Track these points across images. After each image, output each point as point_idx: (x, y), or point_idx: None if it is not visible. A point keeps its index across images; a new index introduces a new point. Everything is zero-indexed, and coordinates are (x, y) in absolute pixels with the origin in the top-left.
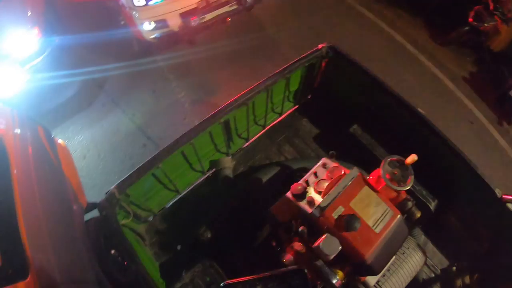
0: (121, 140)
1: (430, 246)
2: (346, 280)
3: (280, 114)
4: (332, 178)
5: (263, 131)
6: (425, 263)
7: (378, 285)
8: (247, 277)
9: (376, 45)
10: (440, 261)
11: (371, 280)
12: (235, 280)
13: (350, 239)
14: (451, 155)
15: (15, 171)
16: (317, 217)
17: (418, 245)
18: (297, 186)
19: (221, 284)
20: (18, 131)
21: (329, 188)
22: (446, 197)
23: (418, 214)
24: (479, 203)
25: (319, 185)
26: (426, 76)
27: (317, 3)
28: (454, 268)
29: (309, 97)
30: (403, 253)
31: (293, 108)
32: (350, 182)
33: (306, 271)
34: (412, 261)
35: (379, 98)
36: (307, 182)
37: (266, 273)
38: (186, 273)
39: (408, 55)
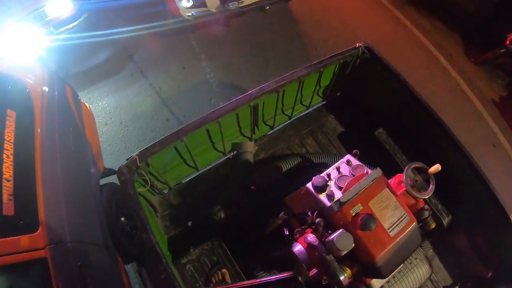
0: (144, 112)
1: (437, 262)
2: (352, 279)
3: (308, 107)
4: (354, 175)
5: (289, 121)
6: (430, 278)
7: None
8: (235, 284)
9: (409, 53)
10: (444, 278)
11: (376, 284)
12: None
13: (364, 238)
14: (472, 175)
15: (38, 130)
16: (335, 211)
17: (426, 258)
18: (319, 179)
19: None
20: (46, 89)
21: (350, 184)
22: (460, 215)
23: (433, 225)
24: (492, 227)
25: (340, 180)
26: (456, 92)
27: (356, 3)
28: (457, 287)
29: (338, 94)
30: (411, 263)
31: (321, 103)
32: (372, 182)
33: (300, 279)
34: (418, 272)
35: (408, 106)
36: (329, 176)
37: (257, 280)
38: (194, 250)
39: (441, 68)
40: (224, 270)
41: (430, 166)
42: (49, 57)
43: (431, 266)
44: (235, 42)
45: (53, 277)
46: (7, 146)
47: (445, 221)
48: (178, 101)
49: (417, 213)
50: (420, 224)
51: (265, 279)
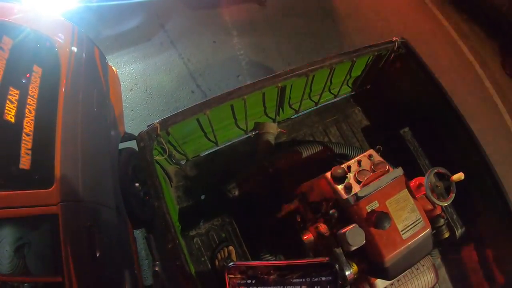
0: (171, 81)
1: (443, 272)
2: (357, 276)
3: (335, 96)
4: (375, 171)
5: (315, 107)
6: (433, 287)
7: None
8: (262, 262)
9: (445, 55)
10: None
11: (380, 284)
12: (246, 263)
13: (376, 237)
14: (493, 191)
15: (63, 89)
16: (351, 204)
17: (434, 266)
18: (338, 169)
19: (230, 264)
20: (74, 49)
21: (370, 180)
22: (474, 229)
23: (447, 234)
24: (505, 247)
25: (360, 174)
26: (487, 103)
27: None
28: None
29: (368, 87)
30: (417, 269)
31: (349, 94)
32: (392, 181)
33: (337, 266)
34: (424, 280)
35: (439, 109)
36: (349, 168)
37: (285, 261)
38: (204, 224)
39: (474, 76)
40: (231, 248)
41: (452, 174)
42: (81, 17)
43: (437, 275)
44: (269, 22)
45: (62, 234)
46: (30, 101)
47: (458, 232)
48: (205, 74)
49: (433, 220)
50: (434, 231)
51: (298, 261)
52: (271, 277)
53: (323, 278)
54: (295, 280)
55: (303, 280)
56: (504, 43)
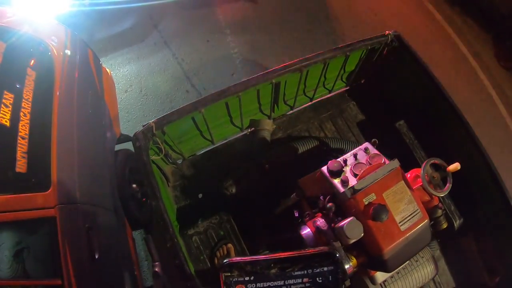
0: (165, 82)
1: (442, 264)
2: (357, 269)
3: (330, 91)
4: (371, 164)
5: (310, 103)
6: (433, 279)
7: (384, 284)
8: (261, 256)
9: (438, 48)
10: (447, 281)
11: (379, 277)
12: (242, 259)
13: (374, 229)
14: (489, 180)
15: (57, 91)
16: (348, 198)
17: (433, 258)
18: (334, 163)
19: (224, 261)
20: (68, 52)
21: (366, 172)
22: (472, 219)
23: (445, 225)
24: (503, 237)
25: (356, 167)
26: (481, 94)
27: None
28: None
29: (362, 81)
30: (417, 261)
31: (344, 89)
32: (388, 173)
33: (338, 255)
34: (423, 271)
35: (433, 101)
36: (345, 161)
37: (284, 253)
38: (202, 222)
39: (469, 69)
40: (229, 245)
41: (449, 165)
42: (74, 20)
43: (436, 267)
44: (262, 20)
45: (60, 237)
46: (24, 105)
47: (456, 223)
48: (200, 74)
49: (430, 211)
50: (432, 222)
51: (299, 252)
52: (272, 271)
53: (325, 269)
54: (296, 273)
55: (305, 272)
56: (497, 35)
